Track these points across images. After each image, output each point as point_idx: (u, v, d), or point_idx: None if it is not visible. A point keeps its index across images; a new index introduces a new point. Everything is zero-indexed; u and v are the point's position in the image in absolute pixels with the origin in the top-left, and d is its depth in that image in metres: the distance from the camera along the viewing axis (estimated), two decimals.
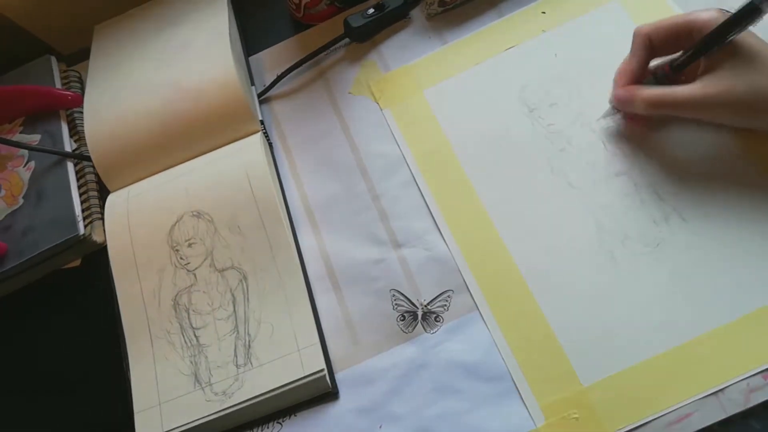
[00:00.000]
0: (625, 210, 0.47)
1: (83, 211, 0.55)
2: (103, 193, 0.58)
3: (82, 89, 0.64)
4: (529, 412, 0.43)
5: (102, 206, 0.57)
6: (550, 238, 0.47)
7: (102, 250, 0.56)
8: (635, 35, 0.46)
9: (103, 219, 0.56)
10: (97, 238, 0.55)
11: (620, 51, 0.49)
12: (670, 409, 0.41)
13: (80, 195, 0.56)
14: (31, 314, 0.55)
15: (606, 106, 0.50)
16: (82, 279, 0.56)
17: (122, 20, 0.64)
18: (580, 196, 0.48)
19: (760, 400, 0.40)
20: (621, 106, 0.48)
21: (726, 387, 0.41)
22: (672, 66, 0.45)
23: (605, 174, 0.48)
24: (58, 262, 0.55)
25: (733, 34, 0.41)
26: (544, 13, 0.56)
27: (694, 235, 0.45)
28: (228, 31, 0.58)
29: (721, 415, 0.40)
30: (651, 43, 0.45)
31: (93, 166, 0.60)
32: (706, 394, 0.41)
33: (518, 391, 0.44)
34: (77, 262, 0.56)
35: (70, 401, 0.51)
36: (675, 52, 0.46)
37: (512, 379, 0.44)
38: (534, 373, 0.44)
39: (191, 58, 0.57)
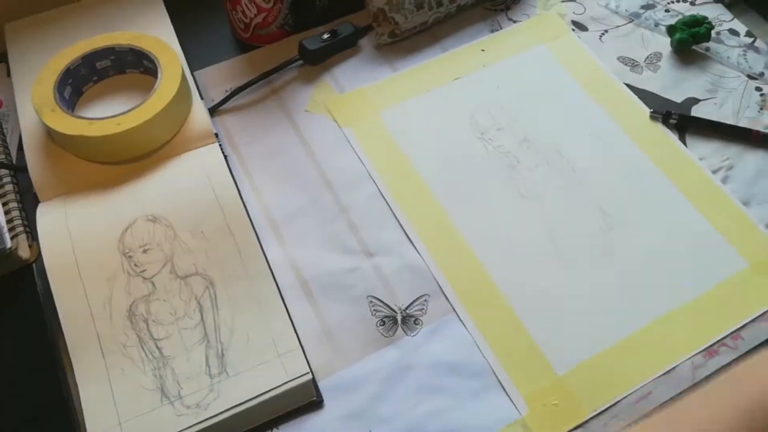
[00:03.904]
0: (573, 218, 0.52)
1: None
2: (25, 204, 0.52)
3: None
4: (513, 402, 0.45)
5: (25, 218, 0.51)
6: (511, 244, 0.51)
7: (24, 268, 0.49)
8: None
9: (28, 232, 0.50)
10: (22, 253, 0.48)
11: (550, 86, 0.59)
12: (634, 389, 0.45)
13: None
14: None
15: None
16: (1, 299, 0.48)
17: (40, 21, 0.59)
18: (532, 207, 0.53)
19: (704, 375, 0.46)
20: None
21: (676, 366, 0.46)
22: None
23: (551, 188, 0.54)
24: None
25: None
26: (483, 50, 0.62)
27: (636, 239, 0.51)
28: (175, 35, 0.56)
29: (675, 391, 0.45)
30: None
31: (12, 175, 0.53)
32: (660, 373, 0.46)
33: (501, 384, 0.45)
34: None
35: None
36: None
37: (494, 374, 0.46)
38: (513, 366, 0.46)
39: None
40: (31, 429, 0.43)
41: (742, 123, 0.58)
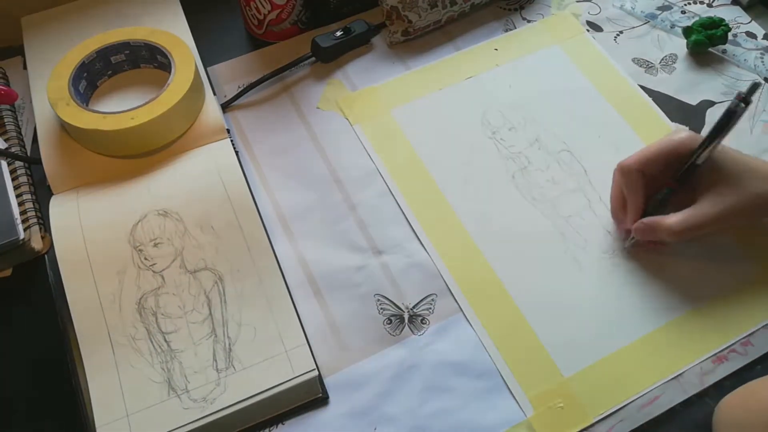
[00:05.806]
0: (583, 221, 0.52)
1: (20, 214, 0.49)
2: (39, 196, 0.52)
3: (7, 85, 0.58)
4: (518, 404, 0.45)
5: (38, 210, 0.51)
6: (521, 246, 0.51)
7: (36, 259, 0.50)
8: (627, 173, 0.48)
9: (40, 224, 0.50)
10: (35, 245, 0.49)
11: (563, 87, 0.58)
12: (640, 394, 0.45)
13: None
14: None
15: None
16: (13, 290, 0.49)
17: (56, 14, 0.60)
18: (543, 209, 0.53)
19: (712, 381, 0.45)
20: (645, 237, 0.48)
21: (684, 371, 0.46)
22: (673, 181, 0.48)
23: (562, 190, 0.54)
24: None
25: (720, 138, 0.45)
26: (496, 50, 0.62)
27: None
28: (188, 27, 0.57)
29: (683, 396, 0.45)
30: (644, 176, 0.47)
31: (26, 167, 0.54)
32: (668, 378, 0.45)
33: (507, 385, 0.45)
34: (7, 272, 0.49)
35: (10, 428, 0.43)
36: (664, 173, 0.48)
37: (500, 375, 0.46)
38: (519, 368, 0.46)
39: None
40: (40, 419, 0.43)
41: (758, 126, 0.57)
